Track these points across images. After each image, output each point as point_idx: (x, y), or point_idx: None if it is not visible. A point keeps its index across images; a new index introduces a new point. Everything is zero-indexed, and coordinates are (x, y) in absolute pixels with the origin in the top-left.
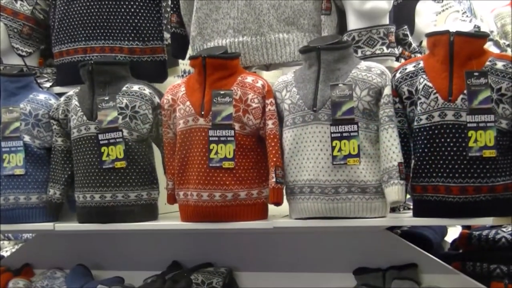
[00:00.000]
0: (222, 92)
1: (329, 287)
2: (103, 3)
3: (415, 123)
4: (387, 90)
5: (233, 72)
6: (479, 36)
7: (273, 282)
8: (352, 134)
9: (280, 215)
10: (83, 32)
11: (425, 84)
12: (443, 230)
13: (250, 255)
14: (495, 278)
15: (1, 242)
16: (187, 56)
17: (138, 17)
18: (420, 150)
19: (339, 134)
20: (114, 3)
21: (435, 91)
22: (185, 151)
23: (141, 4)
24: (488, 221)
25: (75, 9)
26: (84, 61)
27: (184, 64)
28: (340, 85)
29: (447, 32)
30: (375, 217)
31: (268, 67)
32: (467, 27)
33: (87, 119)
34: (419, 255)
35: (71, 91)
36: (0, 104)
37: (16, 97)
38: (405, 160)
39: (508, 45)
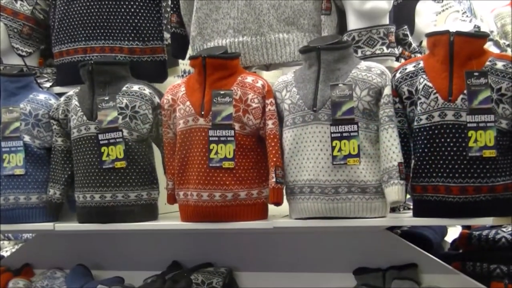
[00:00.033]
0: (222, 92)
1: (329, 287)
2: (103, 3)
3: (415, 123)
4: (387, 90)
5: (233, 72)
6: (479, 36)
7: (273, 282)
8: (352, 134)
9: (280, 215)
10: (83, 32)
11: (425, 84)
12: (443, 230)
13: (250, 255)
14: (495, 278)
15: (1, 242)
16: (187, 56)
17: (138, 17)
18: (420, 150)
19: (339, 134)
20: (114, 3)
21: (435, 91)
22: (185, 151)
23: (141, 4)
24: (488, 221)
25: (75, 9)
26: (84, 61)
27: (184, 64)
28: (340, 85)
29: (447, 32)
30: (375, 217)
31: (268, 67)
32: (467, 27)
33: (87, 119)
34: (419, 255)
35: (71, 91)
36: (0, 104)
37: (16, 97)
38: (405, 160)
39: (508, 45)
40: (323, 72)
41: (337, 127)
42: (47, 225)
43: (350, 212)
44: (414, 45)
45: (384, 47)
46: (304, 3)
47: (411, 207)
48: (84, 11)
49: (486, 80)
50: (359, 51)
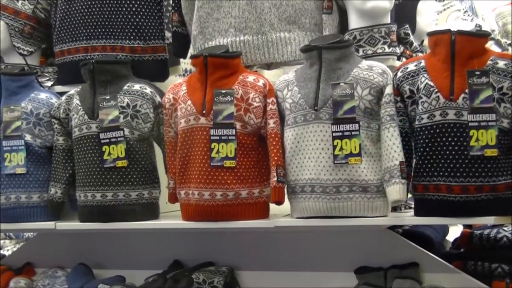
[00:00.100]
0: (223, 91)
1: (330, 287)
2: (104, 2)
3: (417, 122)
4: (389, 89)
5: (235, 71)
6: (481, 35)
7: (274, 281)
8: (353, 133)
9: (281, 214)
10: (84, 31)
11: (427, 83)
12: (445, 229)
13: (251, 254)
14: (497, 277)
15: (3, 241)
16: (188, 55)
17: (139, 16)
18: (422, 149)
19: (340, 133)
20: (115, 2)
21: (436, 90)
22: (187, 150)
23: (143, 3)
24: (489, 220)
25: (76, 8)
26: (85, 60)
27: (185, 63)
28: (341, 84)
29: (448, 31)
30: (377, 216)
31: (269, 66)
32: (468, 26)
33: (89, 118)
34: (420, 254)
35: (73, 90)
36: (1, 103)
37: (17, 96)
38: (406, 159)
39: (509, 44)
40: (325, 71)
41: (338, 126)
42: (48, 224)
43: (352, 211)
44: (415, 44)
45: (386, 46)
46: (305, 2)
47: (413, 206)
48: (85, 10)
49: (487, 79)
50: (361, 50)
